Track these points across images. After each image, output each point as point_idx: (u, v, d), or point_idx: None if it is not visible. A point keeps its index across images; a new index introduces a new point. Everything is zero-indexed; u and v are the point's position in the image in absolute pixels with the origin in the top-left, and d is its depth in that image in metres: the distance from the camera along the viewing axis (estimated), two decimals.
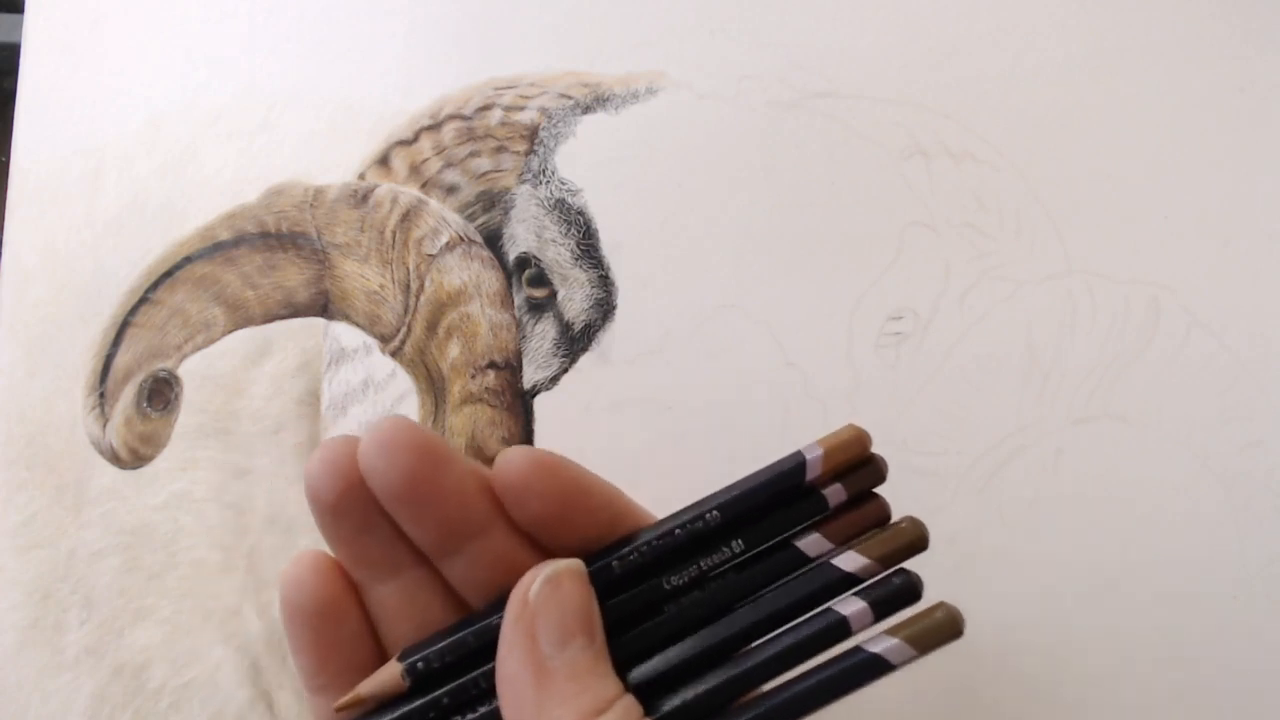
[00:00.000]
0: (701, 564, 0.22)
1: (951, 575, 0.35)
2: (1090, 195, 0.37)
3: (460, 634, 0.21)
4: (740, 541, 0.22)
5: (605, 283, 0.38)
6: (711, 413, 0.37)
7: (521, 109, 0.40)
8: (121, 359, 0.40)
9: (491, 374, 0.38)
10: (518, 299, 0.39)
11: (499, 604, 0.21)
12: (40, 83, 0.44)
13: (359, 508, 0.21)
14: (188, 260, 0.41)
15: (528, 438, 0.38)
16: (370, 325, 0.40)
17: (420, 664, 0.21)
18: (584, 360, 0.38)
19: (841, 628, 0.21)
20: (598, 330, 0.38)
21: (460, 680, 0.21)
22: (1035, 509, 0.35)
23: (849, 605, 0.21)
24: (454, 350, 0.39)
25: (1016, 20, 0.39)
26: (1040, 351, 0.36)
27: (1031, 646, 0.35)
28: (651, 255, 0.38)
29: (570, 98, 0.40)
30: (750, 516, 0.22)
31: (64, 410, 0.41)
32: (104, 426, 0.40)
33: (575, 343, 0.38)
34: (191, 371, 0.40)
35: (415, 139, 0.41)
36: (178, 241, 0.41)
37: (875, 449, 0.23)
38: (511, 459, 0.22)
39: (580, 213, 0.39)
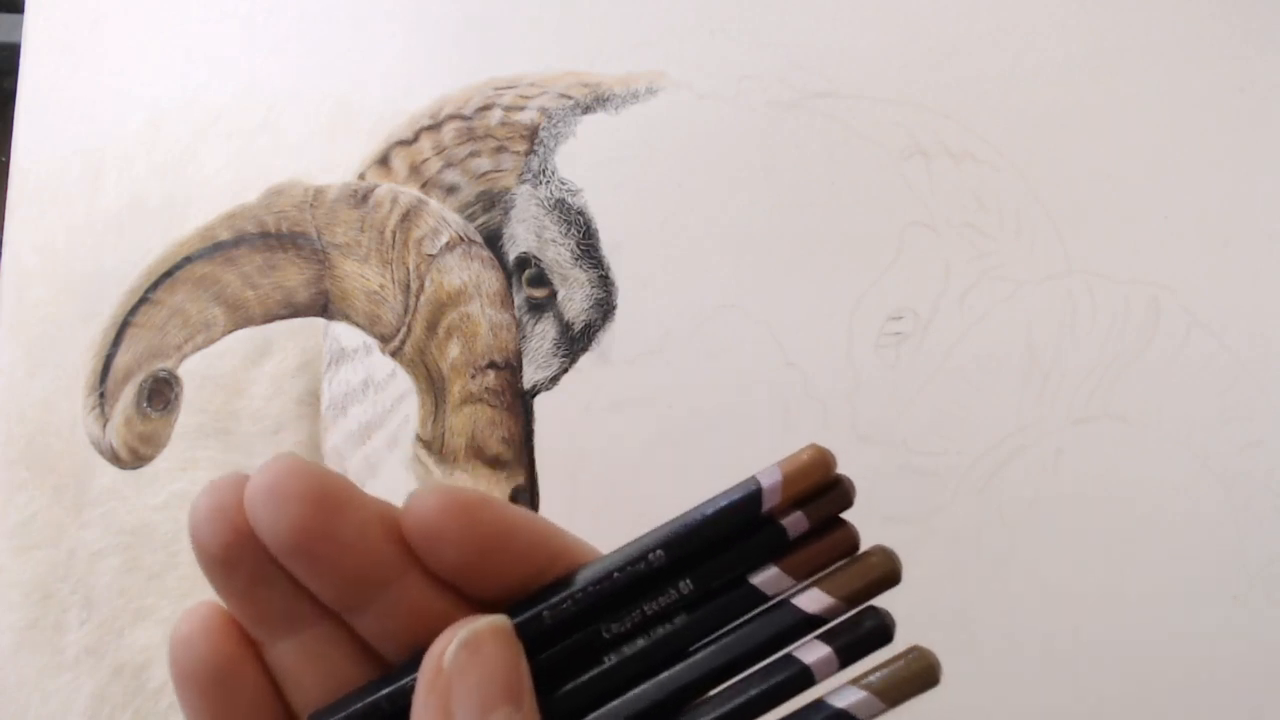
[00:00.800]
0: (645, 608, 0.19)
1: (951, 575, 0.35)
2: (1090, 195, 0.37)
3: (372, 697, 0.19)
4: (689, 582, 0.20)
5: (605, 283, 0.38)
6: (711, 413, 0.37)
7: (521, 109, 0.40)
8: (121, 359, 0.40)
9: (491, 374, 0.38)
10: (518, 299, 0.39)
11: (416, 661, 0.19)
12: (40, 83, 0.44)
13: (250, 558, 0.19)
14: (188, 260, 0.41)
15: (528, 438, 0.38)
16: (370, 325, 0.40)
17: None
18: (584, 360, 0.38)
19: (804, 677, 0.19)
20: (598, 330, 0.38)
21: None
22: (1035, 509, 0.35)
23: (812, 651, 0.19)
24: (454, 350, 0.39)
25: (1016, 20, 0.39)
26: (1040, 351, 0.36)
27: (1031, 646, 0.35)
28: (651, 255, 0.38)
29: (570, 98, 0.40)
30: (700, 554, 0.20)
31: (64, 410, 0.41)
32: (104, 426, 0.40)
33: (575, 343, 0.38)
34: (191, 371, 0.40)
35: (415, 139, 0.41)
36: (178, 241, 0.41)
37: (850, 461, 0.20)
38: (422, 502, 0.19)
39: (580, 213, 0.39)
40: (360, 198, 0.40)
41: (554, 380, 0.38)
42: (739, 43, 0.40)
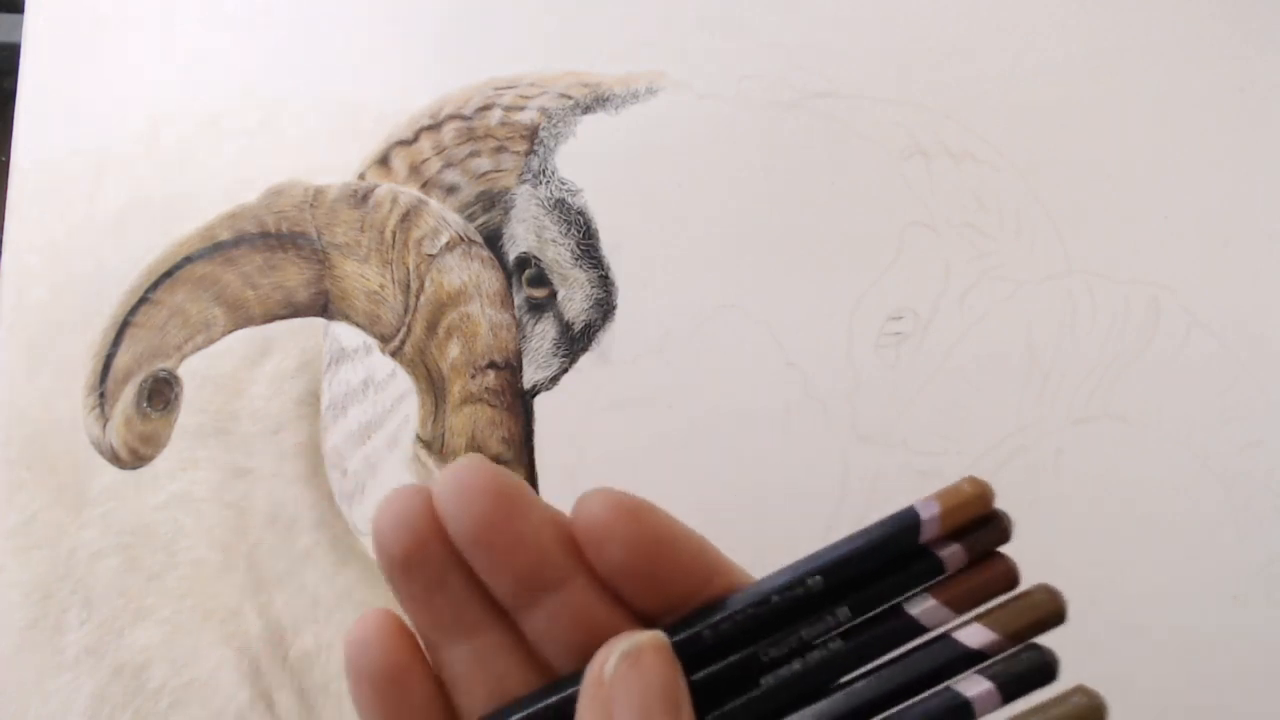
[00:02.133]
0: (803, 633, 0.20)
1: None
2: (1090, 195, 0.37)
3: (537, 706, 0.20)
4: (846, 609, 0.20)
5: (605, 283, 0.38)
6: (711, 413, 0.37)
7: (521, 109, 0.40)
8: (121, 359, 0.40)
9: (491, 374, 0.38)
10: (518, 299, 0.39)
11: (579, 673, 0.20)
12: (40, 83, 0.44)
13: (431, 563, 0.20)
14: (188, 260, 0.41)
15: (528, 438, 0.38)
16: (370, 325, 0.40)
17: None
18: (584, 360, 0.38)
19: (964, 711, 0.19)
20: (598, 330, 0.38)
21: None
22: (1035, 509, 0.35)
23: (973, 685, 0.19)
24: (454, 350, 0.39)
25: (1016, 20, 0.39)
26: (1040, 351, 0.36)
27: None
28: (651, 255, 0.38)
29: (570, 98, 0.40)
30: (856, 581, 0.20)
31: (64, 410, 0.41)
32: (104, 426, 0.40)
33: (575, 343, 0.38)
34: (191, 371, 0.40)
35: (415, 139, 0.41)
36: (178, 241, 0.41)
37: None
38: (592, 502, 0.20)
39: (580, 213, 0.39)
40: (360, 198, 0.40)
41: (554, 380, 0.38)
42: (739, 43, 0.40)
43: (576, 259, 0.39)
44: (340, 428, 0.39)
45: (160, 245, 0.41)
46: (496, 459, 0.38)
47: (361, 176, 0.41)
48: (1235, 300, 0.36)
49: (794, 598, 0.20)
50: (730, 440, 0.37)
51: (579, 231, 0.39)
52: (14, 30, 0.46)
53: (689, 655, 0.20)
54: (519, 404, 0.38)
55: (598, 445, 0.37)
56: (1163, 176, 0.37)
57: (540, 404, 0.38)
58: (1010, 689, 0.19)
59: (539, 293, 0.39)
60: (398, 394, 0.39)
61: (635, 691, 0.19)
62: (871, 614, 0.20)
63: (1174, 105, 0.38)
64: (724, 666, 0.20)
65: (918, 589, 0.20)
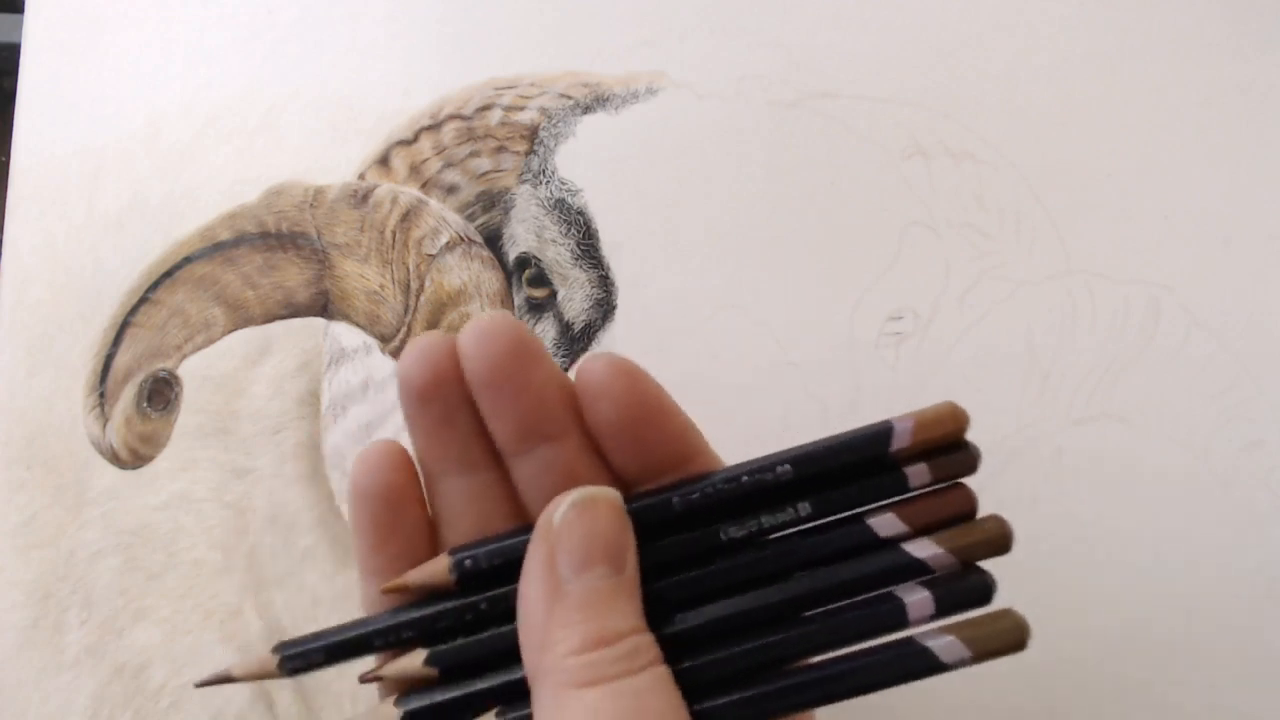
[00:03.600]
0: (763, 520, 0.21)
1: None
2: (1090, 195, 0.37)
3: (513, 539, 0.21)
4: (808, 505, 0.20)
5: (605, 283, 0.38)
6: (711, 413, 0.37)
7: (521, 109, 0.40)
8: (121, 359, 0.40)
9: None
10: (518, 299, 0.39)
11: None
12: (40, 83, 0.44)
13: (444, 398, 0.22)
14: (188, 260, 0.41)
15: None
16: (370, 325, 0.40)
17: (469, 562, 0.21)
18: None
19: (898, 614, 0.19)
20: (598, 330, 0.38)
21: (501, 589, 0.21)
22: (1035, 509, 0.35)
23: (911, 593, 0.20)
24: None
25: (1016, 20, 0.39)
26: (1040, 351, 0.36)
27: (1030, 646, 0.34)
28: (651, 255, 0.38)
29: (570, 98, 0.40)
30: (823, 479, 0.20)
31: (64, 410, 0.41)
32: (104, 426, 0.40)
33: (575, 343, 0.38)
34: (191, 371, 0.40)
35: (415, 139, 0.41)
36: (178, 241, 0.41)
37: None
38: (594, 361, 0.22)
39: (580, 213, 0.39)
40: (360, 198, 0.40)
41: None
42: (739, 43, 0.40)
43: (576, 259, 0.39)
44: (340, 428, 0.39)
45: (160, 245, 0.41)
46: None
47: (361, 176, 0.41)
48: (1235, 300, 0.36)
49: (762, 482, 0.21)
50: (730, 440, 0.37)
51: (579, 231, 0.39)
52: (14, 30, 0.46)
53: (658, 519, 0.21)
54: None
55: None
56: (1163, 176, 0.37)
57: None
58: (946, 602, 0.20)
59: (539, 293, 0.39)
60: (398, 394, 0.39)
61: (579, 537, 0.20)
62: (833, 517, 0.21)
63: (1174, 105, 0.38)
64: (685, 539, 0.21)
65: (880, 503, 0.21)
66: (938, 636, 0.19)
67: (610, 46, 0.40)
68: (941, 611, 0.19)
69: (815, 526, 0.21)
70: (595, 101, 0.40)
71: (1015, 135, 0.38)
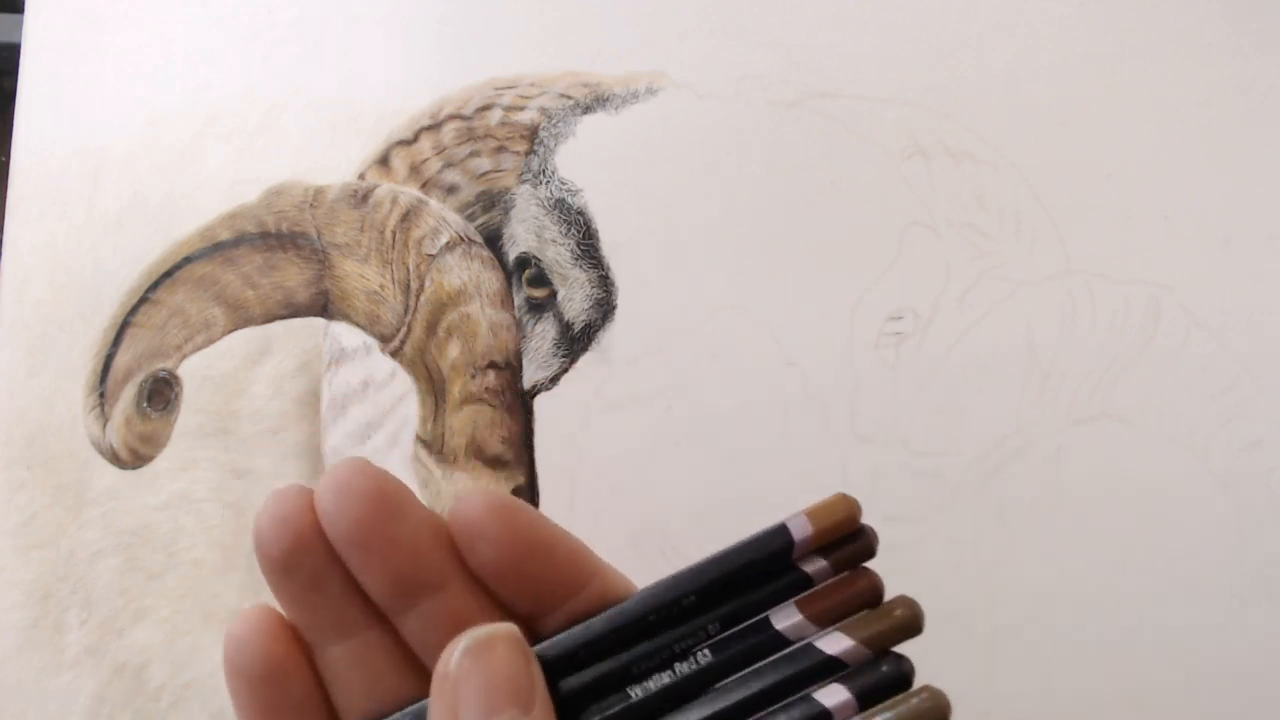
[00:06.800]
0: (674, 647, 0.20)
1: (951, 575, 0.35)
2: (1090, 195, 0.37)
3: (409, 710, 0.20)
4: (716, 624, 0.20)
5: (605, 283, 0.38)
6: (711, 413, 0.37)
7: (521, 109, 0.40)
8: (121, 359, 0.40)
9: (491, 374, 0.38)
10: (518, 299, 0.39)
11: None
12: (40, 83, 0.44)
13: (309, 563, 0.20)
14: (188, 260, 0.41)
15: (528, 438, 0.38)
16: (370, 325, 0.40)
17: None
18: (584, 360, 0.38)
19: (823, 719, 0.19)
20: (598, 330, 0.38)
21: None
22: (1035, 509, 0.35)
23: (832, 695, 0.19)
24: (454, 350, 0.39)
25: (1016, 20, 0.39)
26: (1040, 351, 0.36)
27: (1031, 646, 0.35)
28: (651, 255, 0.38)
29: (570, 98, 0.40)
30: (726, 596, 0.20)
31: (64, 410, 0.41)
32: (104, 426, 0.40)
33: (575, 343, 0.38)
34: (191, 371, 0.40)
35: (415, 139, 0.41)
36: (178, 241, 0.41)
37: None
38: (467, 501, 0.20)
39: (580, 213, 0.39)
40: (360, 198, 0.40)
41: (554, 380, 0.38)
42: (739, 43, 0.40)
43: (576, 259, 0.39)
44: (340, 428, 0.39)
45: (160, 245, 0.41)
46: (496, 459, 0.38)
47: (361, 176, 0.41)
48: (1235, 300, 0.36)
49: (668, 616, 0.20)
50: (730, 440, 0.37)
51: (579, 231, 0.39)
52: (14, 30, 0.46)
53: (562, 663, 0.20)
54: (519, 404, 0.38)
55: (598, 445, 0.37)
56: (1163, 176, 0.37)
57: (540, 404, 0.38)
58: (867, 698, 0.19)
59: (539, 293, 0.39)
60: (398, 394, 0.39)
61: (479, 683, 0.18)
62: (739, 627, 0.20)
63: (1174, 105, 0.38)
64: (594, 676, 0.20)
65: (783, 603, 0.20)
66: None
67: (610, 46, 0.40)
68: (865, 706, 0.19)
69: (725, 639, 0.20)
70: (595, 101, 0.40)
71: (1015, 135, 0.38)
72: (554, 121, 0.40)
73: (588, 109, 0.40)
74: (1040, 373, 0.36)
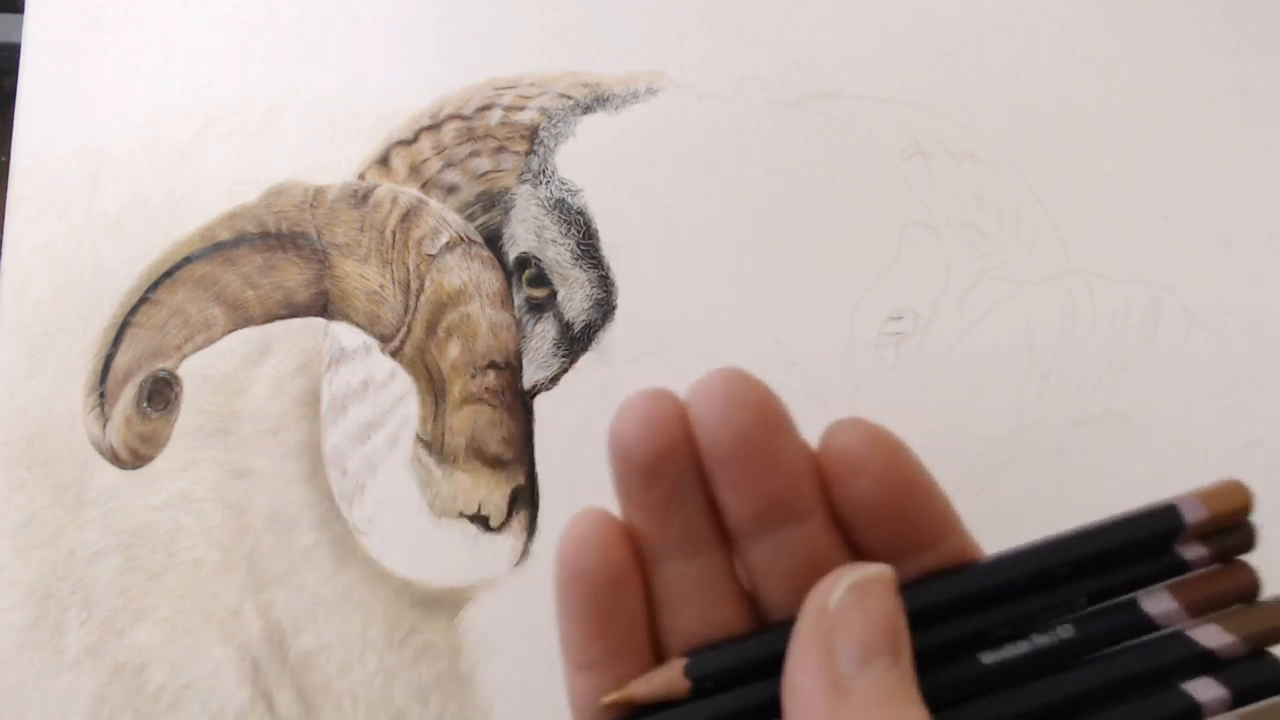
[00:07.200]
0: (1034, 618, 0.19)
1: None
2: (1090, 195, 0.37)
3: (754, 638, 0.19)
4: (1084, 599, 0.19)
5: (605, 283, 0.38)
6: None
7: (521, 109, 0.40)
8: (121, 359, 0.40)
9: (491, 374, 0.38)
10: (518, 299, 0.39)
11: (792, 619, 0.18)
12: (40, 83, 0.44)
13: (674, 470, 0.19)
14: (188, 260, 0.41)
15: (528, 438, 0.38)
16: (370, 325, 0.40)
17: (706, 668, 0.19)
18: (584, 360, 0.38)
19: (1192, 715, 0.18)
20: (598, 330, 0.38)
21: (748, 689, 0.19)
22: (1035, 509, 0.35)
23: (1204, 689, 0.18)
24: (454, 350, 0.39)
25: (1016, 20, 0.39)
26: (1040, 351, 0.36)
27: None
28: (651, 255, 0.38)
29: (570, 98, 0.40)
30: (1100, 570, 0.19)
31: (64, 410, 0.41)
32: (104, 426, 0.40)
33: (575, 343, 0.38)
34: (191, 371, 0.40)
35: (415, 139, 0.41)
36: (178, 241, 0.41)
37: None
38: (847, 432, 0.19)
39: (580, 213, 0.39)
40: (360, 198, 0.40)
41: (554, 380, 0.38)
42: (739, 43, 0.40)
43: (576, 259, 0.39)
44: (340, 428, 0.39)
45: (160, 245, 0.41)
46: (496, 459, 0.38)
47: (361, 176, 0.41)
48: (1235, 300, 0.36)
49: (1035, 585, 0.19)
50: None
51: (579, 231, 0.39)
52: (14, 30, 0.46)
53: (923, 614, 0.19)
54: (519, 404, 0.38)
55: (598, 445, 0.37)
56: (1163, 176, 0.37)
57: (540, 404, 0.38)
58: (1243, 698, 0.18)
59: (539, 293, 0.39)
60: (398, 394, 0.39)
61: (858, 624, 0.17)
62: (1104, 605, 0.19)
63: (1174, 105, 0.38)
64: (951, 634, 0.19)
65: (1156, 585, 0.19)
66: None
67: (610, 46, 0.40)
68: (1239, 705, 0.18)
69: (1089, 614, 0.19)
70: (595, 101, 0.40)
71: (1015, 135, 0.38)
72: (554, 121, 0.40)
73: (588, 109, 0.40)
74: (1040, 373, 0.36)
